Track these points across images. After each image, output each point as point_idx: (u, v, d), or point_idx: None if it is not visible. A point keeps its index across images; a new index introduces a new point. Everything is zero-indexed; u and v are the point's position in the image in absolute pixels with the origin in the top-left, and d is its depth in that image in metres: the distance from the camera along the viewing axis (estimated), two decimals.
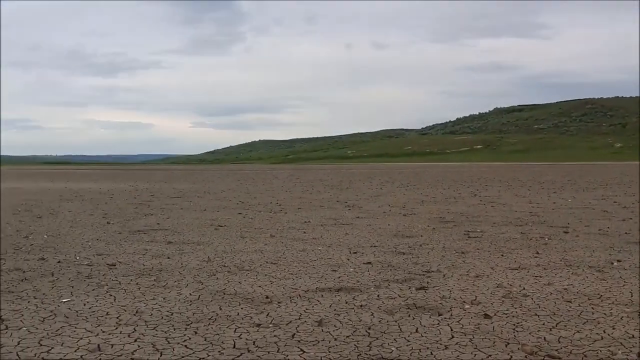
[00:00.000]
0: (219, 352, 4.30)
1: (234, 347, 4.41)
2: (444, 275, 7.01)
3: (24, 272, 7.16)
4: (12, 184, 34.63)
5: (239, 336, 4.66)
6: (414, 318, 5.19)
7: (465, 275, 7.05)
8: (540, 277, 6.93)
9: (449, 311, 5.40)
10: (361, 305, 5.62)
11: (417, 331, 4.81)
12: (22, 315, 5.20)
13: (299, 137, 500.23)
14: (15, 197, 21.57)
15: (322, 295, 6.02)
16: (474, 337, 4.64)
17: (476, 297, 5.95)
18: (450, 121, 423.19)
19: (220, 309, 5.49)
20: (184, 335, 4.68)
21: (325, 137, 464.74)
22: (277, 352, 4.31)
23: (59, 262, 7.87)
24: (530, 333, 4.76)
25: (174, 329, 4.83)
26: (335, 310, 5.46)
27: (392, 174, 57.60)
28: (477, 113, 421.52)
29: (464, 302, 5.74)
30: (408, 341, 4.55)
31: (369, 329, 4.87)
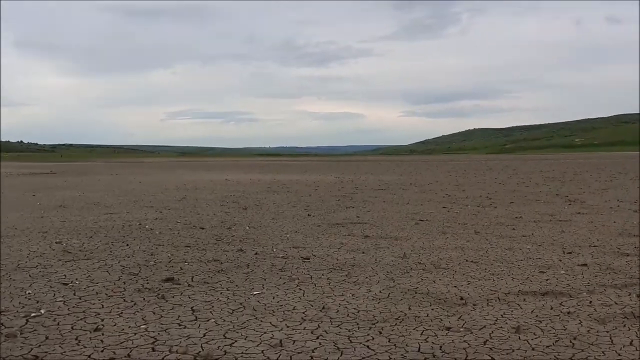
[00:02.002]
0: (402, 355, 4.26)
1: (419, 350, 4.34)
2: None
3: (221, 263, 7.69)
4: (224, 175, 37.46)
5: (425, 339, 4.58)
6: (629, 329, 4.74)
7: None
8: None
9: None
10: (568, 312, 5.24)
11: (631, 344, 4.39)
12: (213, 306, 5.57)
13: (519, 124, 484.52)
14: (225, 189, 23.29)
15: (524, 299, 5.72)
16: None
17: None
18: None
19: (410, 308, 5.44)
20: (368, 334, 4.70)
21: (548, 123, 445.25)
22: (465, 359, 4.16)
23: (256, 254, 8.34)
24: None
25: (358, 328, 4.87)
26: (537, 316, 5.15)
27: (626, 164, 53.38)
28: None
29: None
30: (619, 355, 4.16)
31: (574, 339, 4.53)
